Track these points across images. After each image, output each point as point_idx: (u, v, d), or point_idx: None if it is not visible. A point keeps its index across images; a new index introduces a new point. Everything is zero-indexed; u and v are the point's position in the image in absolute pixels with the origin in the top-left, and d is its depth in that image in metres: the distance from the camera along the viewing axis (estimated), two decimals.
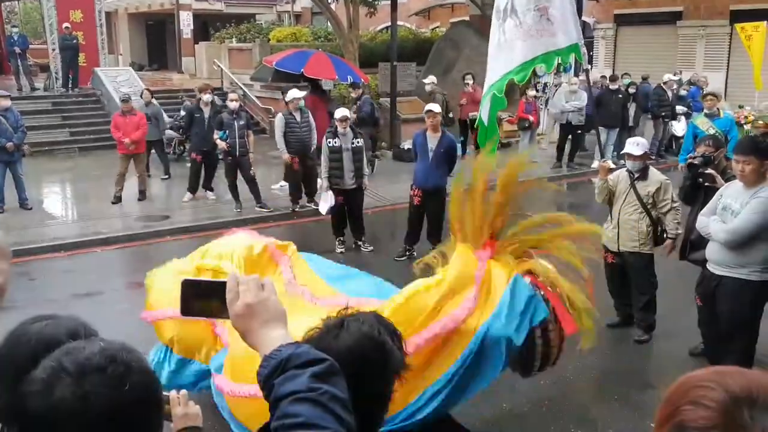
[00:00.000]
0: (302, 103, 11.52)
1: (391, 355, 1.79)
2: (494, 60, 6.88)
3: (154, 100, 14.27)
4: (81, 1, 21.00)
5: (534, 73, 15.47)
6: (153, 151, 13.71)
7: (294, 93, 11.50)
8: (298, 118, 11.27)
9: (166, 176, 14.05)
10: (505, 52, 6.68)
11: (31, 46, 22.68)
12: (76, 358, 1.25)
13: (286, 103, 11.48)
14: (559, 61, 6.91)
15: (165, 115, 14.69)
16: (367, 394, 1.71)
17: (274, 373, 1.38)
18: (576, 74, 18.21)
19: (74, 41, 19.76)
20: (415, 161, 9.36)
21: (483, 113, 7.13)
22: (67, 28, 19.73)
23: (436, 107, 9.23)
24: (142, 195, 12.36)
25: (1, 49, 25.13)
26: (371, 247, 9.75)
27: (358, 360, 1.72)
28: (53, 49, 20.27)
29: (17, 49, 19.69)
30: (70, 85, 19.89)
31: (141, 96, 14.46)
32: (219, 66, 22.32)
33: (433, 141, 8.99)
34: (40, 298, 7.83)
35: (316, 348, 1.46)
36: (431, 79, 15.82)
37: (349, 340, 1.75)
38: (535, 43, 6.54)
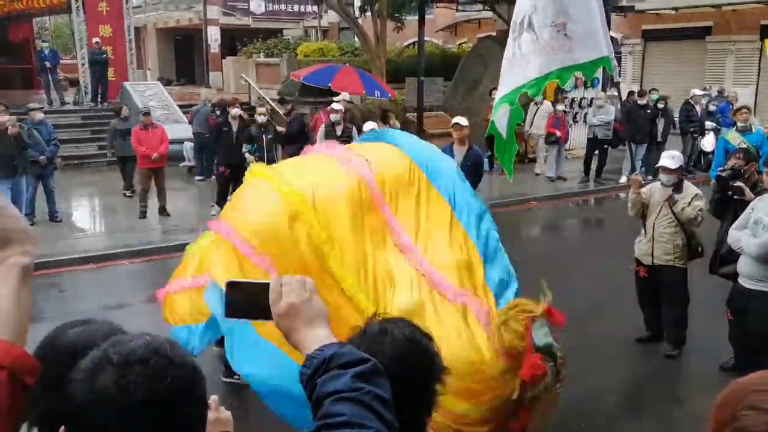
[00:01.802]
0: (335, 117, 11.67)
1: (435, 358, 1.81)
2: (507, 73, 6.89)
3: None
4: (110, 17, 21.31)
5: (560, 88, 15.46)
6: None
7: (333, 105, 11.97)
8: (339, 131, 11.46)
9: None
10: (520, 66, 6.69)
11: (61, 60, 23.05)
12: (122, 349, 1.27)
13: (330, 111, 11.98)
14: (579, 75, 6.86)
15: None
16: (413, 398, 1.73)
17: (316, 372, 1.40)
18: (604, 89, 18.13)
19: (103, 56, 20.05)
20: None
21: (499, 126, 7.08)
22: (96, 43, 20.04)
23: (463, 120, 9.16)
24: (163, 210, 12.28)
25: (33, 64, 25.59)
26: None
27: (405, 364, 1.74)
28: (83, 64, 20.58)
29: (48, 64, 19.99)
30: (99, 99, 20.16)
31: (120, 113, 13.92)
32: (246, 80, 22.52)
33: (459, 154, 8.88)
34: (70, 310, 7.90)
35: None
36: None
37: (395, 345, 1.77)
38: (551, 59, 6.53)
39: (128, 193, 13.61)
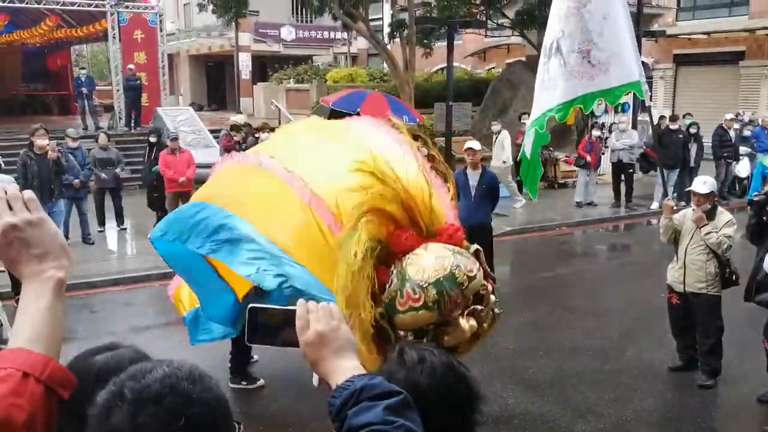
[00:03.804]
0: None
1: (473, 385, 1.79)
2: (538, 97, 6.91)
3: (110, 144, 13.35)
4: (145, 44, 21.72)
5: (592, 113, 15.38)
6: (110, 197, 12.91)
7: None
8: None
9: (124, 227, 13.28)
10: (549, 91, 6.70)
11: (97, 87, 23.49)
12: (137, 384, 1.23)
13: None
14: (602, 102, 6.86)
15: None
16: (450, 425, 1.72)
17: (346, 403, 1.37)
18: (635, 113, 18.01)
19: (137, 82, 20.41)
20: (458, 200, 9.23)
21: (526, 148, 7.11)
22: (131, 69, 20.41)
23: (476, 145, 9.07)
24: None
25: (70, 90, 26.16)
26: None
27: (443, 392, 1.73)
28: (118, 90, 20.96)
29: (84, 90, 20.39)
30: (132, 124, 20.47)
31: (97, 140, 13.23)
32: (277, 106, 22.74)
33: (474, 178, 8.80)
34: (100, 331, 7.97)
35: (403, 384, 1.45)
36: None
37: (433, 373, 1.75)
38: (576, 84, 6.53)
39: (100, 229, 12.88)
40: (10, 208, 1.36)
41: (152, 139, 13.23)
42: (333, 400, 1.40)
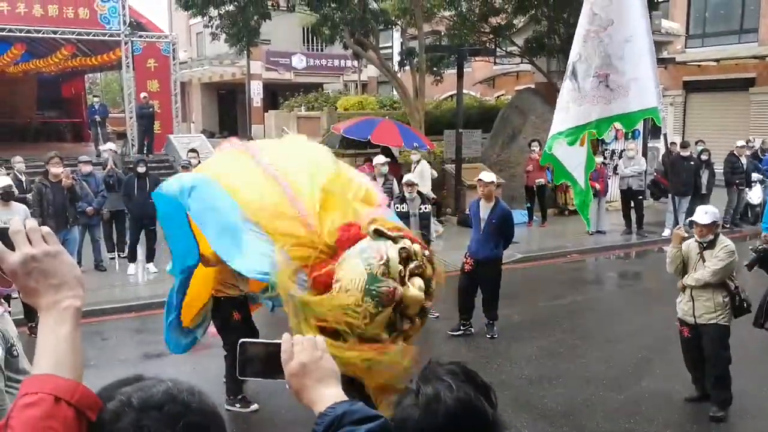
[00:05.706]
0: (385, 169, 11.80)
1: (494, 419, 1.75)
2: (554, 118, 6.91)
3: (118, 171, 12.96)
4: (158, 72, 21.99)
5: (600, 139, 15.38)
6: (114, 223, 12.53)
7: (378, 159, 12.22)
8: (380, 184, 11.55)
9: (125, 255, 12.54)
10: (560, 113, 6.69)
11: (110, 114, 23.72)
12: (143, 394, 1.35)
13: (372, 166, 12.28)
14: (618, 127, 6.82)
15: None
16: None
17: (328, 429, 1.45)
18: (645, 140, 18.01)
19: (150, 109, 20.62)
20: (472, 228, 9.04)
21: (578, 177, 6.93)
22: (144, 97, 20.63)
23: (486, 176, 8.79)
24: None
25: (84, 117, 26.42)
26: (437, 314, 9.47)
27: (461, 429, 1.69)
28: (131, 117, 21.17)
29: (98, 118, 20.60)
30: (145, 151, 20.62)
31: (104, 167, 12.89)
32: (288, 133, 22.84)
33: (485, 210, 8.62)
34: (112, 358, 7.98)
35: (418, 424, 1.50)
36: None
37: (448, 412, 1.70)
38: (590, 109, 6.49)
39: (123, 255, 12.74)
40: (29, 241, 1.44)
41: (140, 170, 11.91)
42: (316, 428, 1.48)
